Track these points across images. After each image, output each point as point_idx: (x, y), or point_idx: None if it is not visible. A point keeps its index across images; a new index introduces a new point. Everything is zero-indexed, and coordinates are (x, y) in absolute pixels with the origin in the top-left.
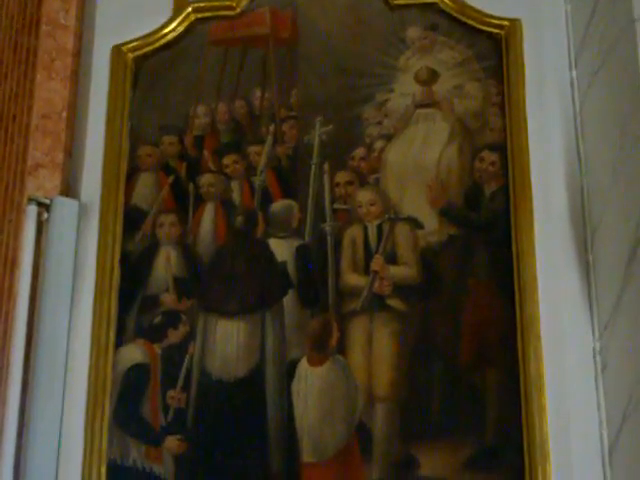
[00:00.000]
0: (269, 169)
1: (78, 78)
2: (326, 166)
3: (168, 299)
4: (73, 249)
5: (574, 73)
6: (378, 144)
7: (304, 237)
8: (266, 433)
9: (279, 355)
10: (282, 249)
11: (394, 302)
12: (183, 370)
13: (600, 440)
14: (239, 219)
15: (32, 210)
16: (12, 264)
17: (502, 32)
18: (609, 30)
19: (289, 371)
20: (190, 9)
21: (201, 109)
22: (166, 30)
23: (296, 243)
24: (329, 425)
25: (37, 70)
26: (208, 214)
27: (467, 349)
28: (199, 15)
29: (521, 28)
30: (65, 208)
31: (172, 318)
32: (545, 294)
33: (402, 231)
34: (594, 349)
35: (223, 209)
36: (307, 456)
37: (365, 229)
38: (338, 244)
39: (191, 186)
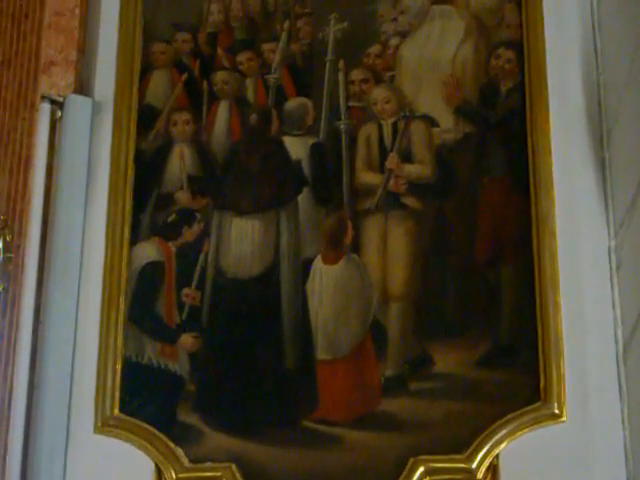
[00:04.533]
0: (284, 67)
1: None
2: (341, 64)
3: (182, 197)
4: (87, 147)
5: None
6: (393, 41)
7: (319, 135)
8: (281, 331)
9: (294, 253)
10: (297, 147)
11: (409, 200)
12: (198, 268)
13: (615, 338)
14: (253, 117)
15: (45, 108)
16: (26, 162)
17: None
18: None
19: (304, 269)
20: None
21: (214, 6)
22: None
23: (311, 141)
24: (344, 323)
25: None
26: (222, 112)
27: (482, 247)
28: None
29: None
30: (79, 106)
31: (187, 216)
32: (560, 192)
33: (417, 129)
34: (609, 247)
35: (237, 107)
36: (322, 353)
37: (380, 127)
38: (353, 142)
39: (205, 84)
